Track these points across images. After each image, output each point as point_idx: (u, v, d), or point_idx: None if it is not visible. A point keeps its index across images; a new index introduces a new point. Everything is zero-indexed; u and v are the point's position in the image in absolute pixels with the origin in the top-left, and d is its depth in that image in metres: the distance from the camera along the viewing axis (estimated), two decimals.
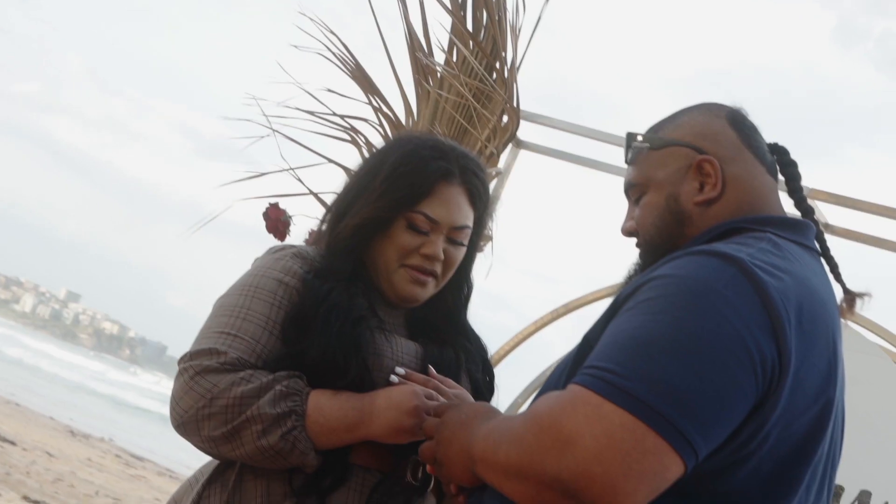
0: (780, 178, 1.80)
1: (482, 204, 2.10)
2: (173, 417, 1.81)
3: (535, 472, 1.34)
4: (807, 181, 1.86)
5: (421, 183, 1.98)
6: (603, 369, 1.35)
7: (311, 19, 3.32)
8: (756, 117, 1.78)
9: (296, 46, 3.26)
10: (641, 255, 1.77)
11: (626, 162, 1.82)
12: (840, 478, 1.75)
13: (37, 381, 30.60)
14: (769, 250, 1.52)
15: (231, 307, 1.91)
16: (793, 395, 1.41)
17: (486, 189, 2.13)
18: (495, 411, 1.65)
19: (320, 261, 2.00)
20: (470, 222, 2.06)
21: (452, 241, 2.03)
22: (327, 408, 1.83)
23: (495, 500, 1.48)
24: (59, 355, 52.63)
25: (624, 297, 1.49)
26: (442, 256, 2.00)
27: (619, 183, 1.85)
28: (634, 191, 1.78)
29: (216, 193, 3.25)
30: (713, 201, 1.68)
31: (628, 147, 1.80)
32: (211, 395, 1.77)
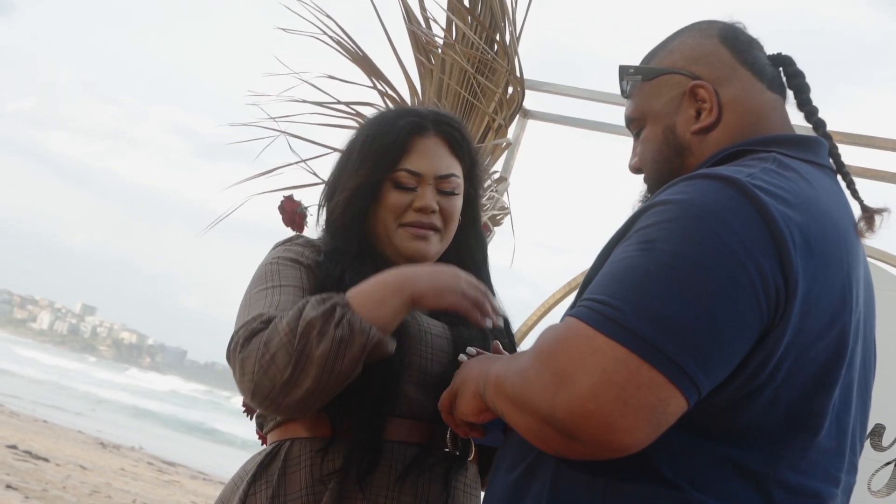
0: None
1: (465, 153, 2.10)
2: (248, 391, 1.78)
3: (534, 407, 1.32)
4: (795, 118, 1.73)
5: (395, 141, 2.01)
6: (598, 301, 1.32)
7: (304, 4, 3.29)
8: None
9: (288, 30, 3.23)
10: (648, 191, 1.72)
11: (624, 96, 1.76)
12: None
13: (60, 397, 30.72)
14: (773, 170, 1.45)
15: (261, 285, 1.94)
16: (804, 319, 1.36)
17: (467, 138, 2.13)
18: (511, 355, 1.63)
19: (325, 245, 2.04)
20: (455, 171, 2.07)
21: (442, 191, 2.04)
22: (366, 286, 1.83)
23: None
24: (77, 369, 52.70)
25: (623, 228, 1.45)
26: (435, 207, 2.02)
27: (627, 144, 1.82)
28: (634, 125, 1.74)
29: (226, 193, 3.23)
30: (711, 128, 1.62)
31: (622, 80, 1.75)
32: (264, 342, 1.76)
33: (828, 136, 1.65)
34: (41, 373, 39.00)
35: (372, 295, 1.81)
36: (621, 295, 1.30)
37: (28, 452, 12.02)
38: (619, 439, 1.26)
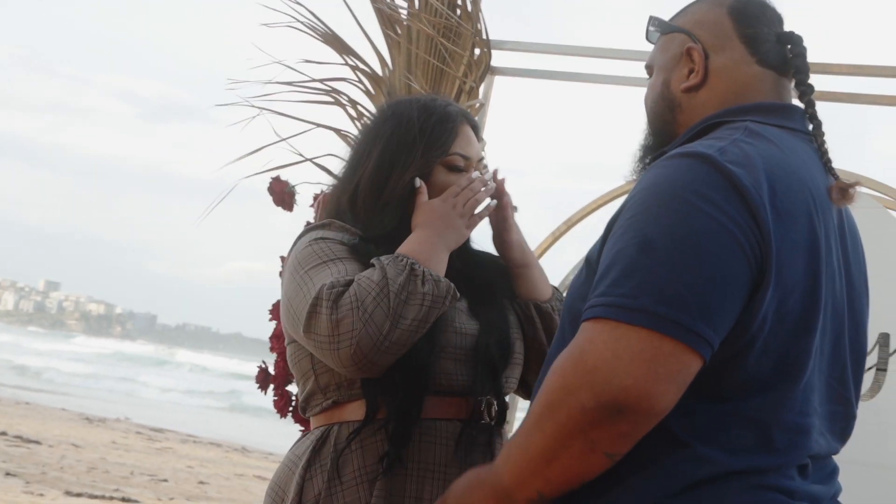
0: None
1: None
2: (346, 350, 1.88)
3: (578, 401, 1.44)
4: None
5: (451, 126, 2.18)
6: (608, 295, 1.48)
7: None
8: None
9: (270, 25, 3.33)
10: (645, 136, 1.90)
11: (648, 41, 1.93)
12: None
13: (35, 377, 30.59)
14: (741, 139, 1.60)
15: (314, 261, 2.03)
16: (780, 274, 1.51)
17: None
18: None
19: (367, 221, 2.14)
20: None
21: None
22: (416, 246, 2.02)
23: None
24: (48, 347, 52.27)
25: (616, 216, 1.61)
26: None
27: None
28: (648, 71, 1.92)
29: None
30: (697, 88, 1.77)
31: (648, 28, 1.91)
32: (358, 302, 1.88)
33: (811, 104, 1.78)
34: (10, 355, 38.74)
35: (429, 253, 2.01)
36: (629, 284, 1.47)
37: (19, 437, 12.09)
38: (658, 404, 1.43)
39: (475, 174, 2.17)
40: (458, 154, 2.18)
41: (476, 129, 2.26)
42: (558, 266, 3.64)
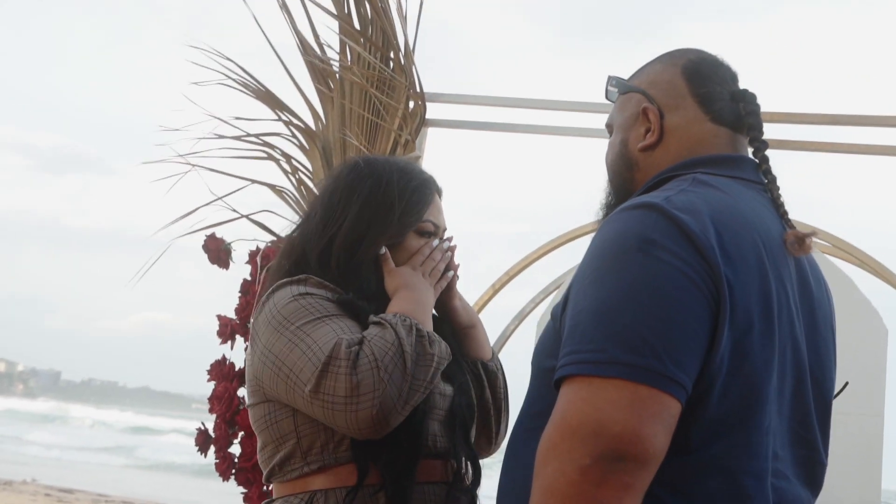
0: None
1: None
2: (367, 411, 1.84)
3: (580, 482, 1.42)
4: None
5: (428, 194, 2.23)
6: (577, 352, 1.49)
7: (205, 50, 3.35)
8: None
9: (200, 83, 3.29)
10: (606, 194, 1.93)
11: (608, 100, 1.96)
12: None
13: None
14: (686, 189, 1.64)
15: (306, 317, 1.98)
16: (733, 313, 1.53)
17: None
18: None
19: (345, 282, 2.11)
20: None
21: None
22: (409, 308, 2.04)
23: None
24: None
25: (577, 273, 1.62)
26: None
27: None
28: (608, 129, 1.95)
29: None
30: (653, 147, 1.81)
31: (607, 87, 1.94)
32: (376, 362, 1.86)
33: (765, 159, 1.82)
34: None
35: (423, 315, 2.04)
36: (596, 338, 1.48)
37: None
38: (651, 445, 1.43)
39: (436, 243, 2.21)
40: (430, 221, 2.21)
41: (441, 198, 2.30)
42: (498, 317, 3.65)
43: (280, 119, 3.53)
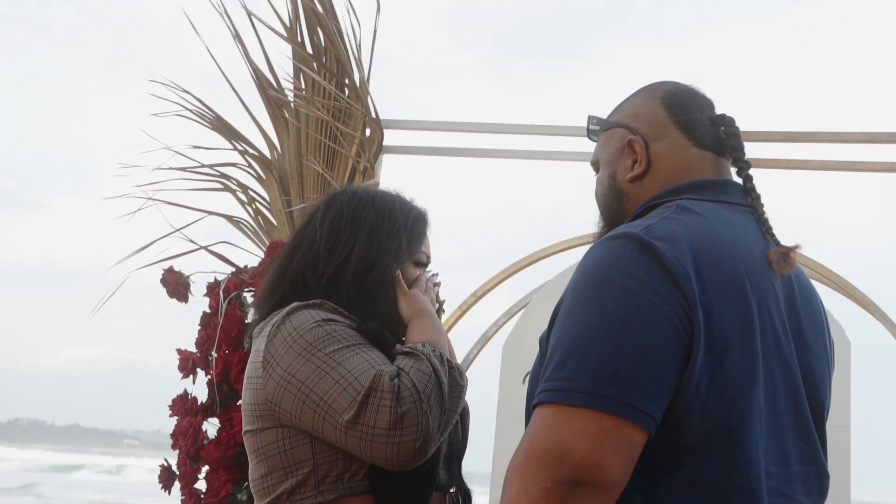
0: None
1: None
2: (410, 444, 1.85)
3: (541, 478, 1.48)
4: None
5: (424, 226, 2.26)
6: (551, 380, 1.54)
7: (162, 83, 3.30)
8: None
9: (159, 114, 3.25)
10: (600, 228, 1.96)
11: (591, 139, 2.00)
12: None
13: None
14: (669, 217, 1.68)
15: (334, 345, 1.95)
16: (710, 338, 1.56)
17: None
18: None
19: (352, 307, 2.09)
20: None
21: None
22: (434, 337, 2.06)
23: None
24: None
25: (561, 299, 1.66)
26: None
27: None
28: (594, 167, 1.99)
29: (109, 268, 3.22)
30: (641, 177, 1.85)
31: (588, 127, 1.99)
32: (418, 395, 1.87)
33: (749, 178, 1.86)
34: None
35: (445, 344, 2.08)
36: (569, 367, 1.53)
37: None
38: (610, 474, 1.48)
39: (429, 274, 2.26)
40: (424, 253, 2.26)
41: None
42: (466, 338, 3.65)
43: (235, 149, 3.49)
